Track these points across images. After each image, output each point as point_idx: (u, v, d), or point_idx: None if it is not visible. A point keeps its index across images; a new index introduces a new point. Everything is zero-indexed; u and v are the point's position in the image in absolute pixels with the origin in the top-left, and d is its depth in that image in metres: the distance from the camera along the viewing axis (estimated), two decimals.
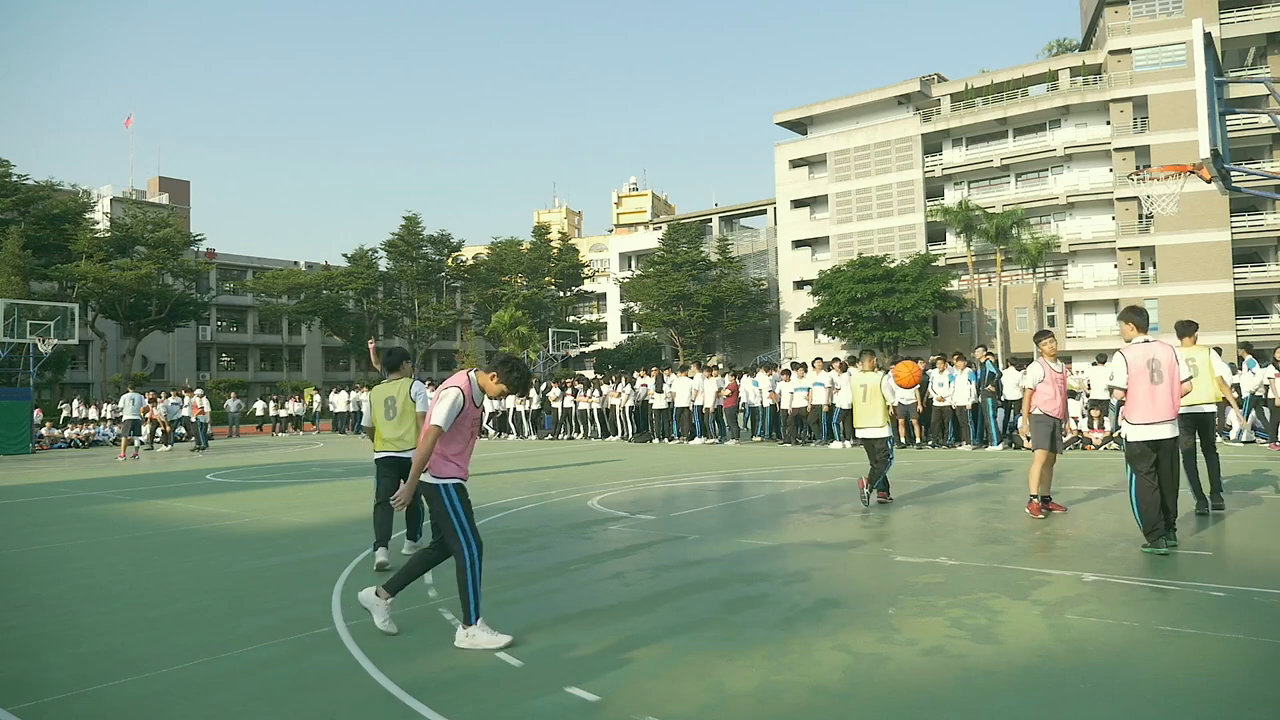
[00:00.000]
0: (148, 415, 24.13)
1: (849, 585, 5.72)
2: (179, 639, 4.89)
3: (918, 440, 17.38)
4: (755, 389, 19.99)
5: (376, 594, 4.79)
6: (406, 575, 4.76)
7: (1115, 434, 15.35)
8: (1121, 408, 6.68)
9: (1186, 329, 8.44)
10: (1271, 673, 3.89)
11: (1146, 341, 6.52)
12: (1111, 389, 6.75)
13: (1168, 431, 6.36)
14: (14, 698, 3.97)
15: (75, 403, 33.25)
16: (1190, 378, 6.82)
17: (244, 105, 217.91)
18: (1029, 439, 8.31)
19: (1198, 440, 8.00)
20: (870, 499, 9.19)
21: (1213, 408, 8.01)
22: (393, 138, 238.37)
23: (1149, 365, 6.38)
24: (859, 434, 9.44)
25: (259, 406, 38.53)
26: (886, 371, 9.93)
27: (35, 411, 30.46)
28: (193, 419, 24.70)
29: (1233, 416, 16.23)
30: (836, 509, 9.17)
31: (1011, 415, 16.77)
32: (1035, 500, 8.15)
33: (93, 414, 31.45)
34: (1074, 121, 49.09)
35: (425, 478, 4.55)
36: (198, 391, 27.08)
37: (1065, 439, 15.59)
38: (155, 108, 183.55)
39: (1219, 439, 15.80)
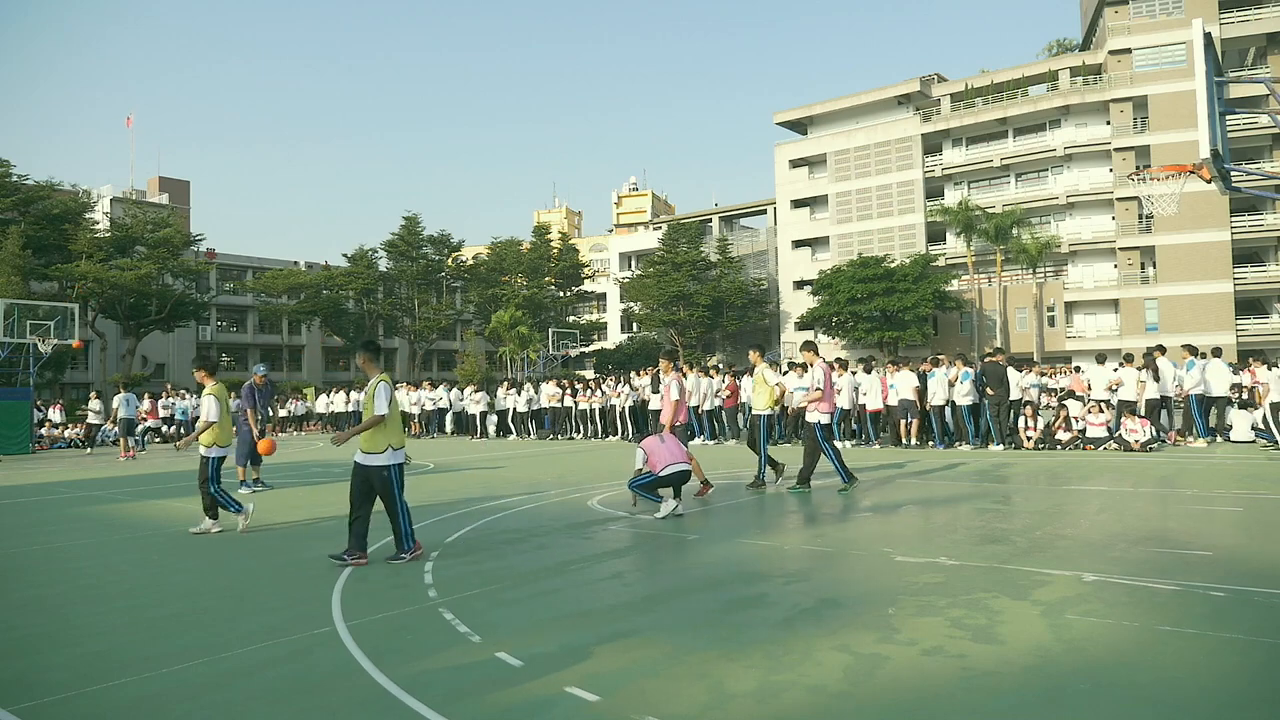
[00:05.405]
0: (145, 415, 24.13)
1: (849, 585, 5.72)
2: (179, 639, 4.88)
3: (913, 440, 17.39)
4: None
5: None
6: None
7: (1118, 435, 15.35)
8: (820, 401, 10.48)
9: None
10: (1271, 673, 3.88)
11: (822, 361, 10.90)
12: (809, 389, 10.60)
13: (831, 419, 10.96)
14: (14, 698, 3.96)
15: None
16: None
17: (244, 105, 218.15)
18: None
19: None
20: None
21: (765, 411, 11.25)
22: (393, 138, 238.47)
23: (828, 376, 10.74)
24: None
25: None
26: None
27: (57, 408, 30.38)
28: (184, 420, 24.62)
29: (1231, 416, 16.28)
30: (836, 509, 9.17)
31: (1012, 415, 16.77)
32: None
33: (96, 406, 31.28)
34: (1074, 121, 49.10)
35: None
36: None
37: (1065, 439, 15.71)
38: (155, 108, 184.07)
39: (1220, 439, 16.01)
